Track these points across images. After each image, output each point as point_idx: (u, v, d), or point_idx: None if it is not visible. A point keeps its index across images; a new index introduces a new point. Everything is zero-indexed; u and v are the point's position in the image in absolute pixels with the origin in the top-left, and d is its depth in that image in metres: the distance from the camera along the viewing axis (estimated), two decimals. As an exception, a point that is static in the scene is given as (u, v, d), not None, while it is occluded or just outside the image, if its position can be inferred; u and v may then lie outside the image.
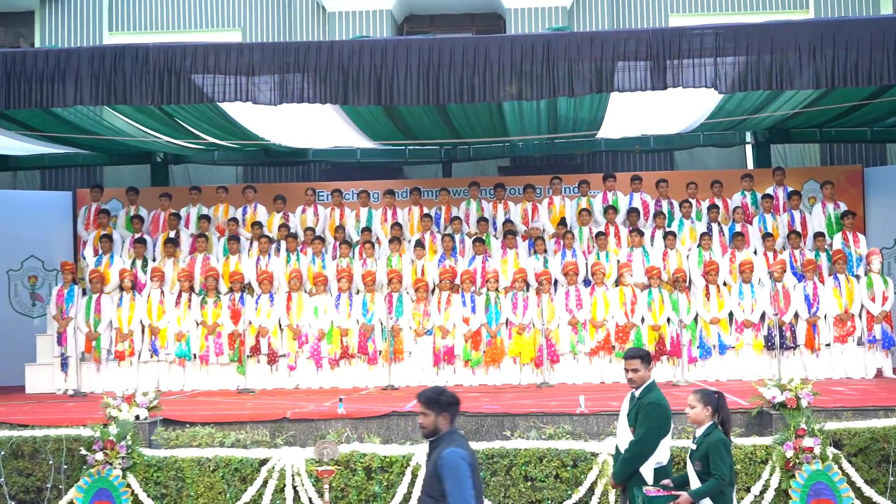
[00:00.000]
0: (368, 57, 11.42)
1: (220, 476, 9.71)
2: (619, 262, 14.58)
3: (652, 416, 7.28)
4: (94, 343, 14.08)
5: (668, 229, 15.08)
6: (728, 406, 7.33)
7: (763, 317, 13.86)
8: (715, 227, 15.24)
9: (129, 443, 9.76)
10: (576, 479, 9.45)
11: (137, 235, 15.52)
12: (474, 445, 9.67)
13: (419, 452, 9.58)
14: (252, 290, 14.58)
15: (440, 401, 5.98)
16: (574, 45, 11.33)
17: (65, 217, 17.14)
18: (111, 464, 9.66)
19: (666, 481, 7.32)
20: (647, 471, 7.23)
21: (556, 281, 14.41)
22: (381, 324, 14.00)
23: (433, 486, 5.79)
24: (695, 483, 7.11)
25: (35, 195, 17.69)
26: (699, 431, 7.24)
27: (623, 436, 7.40)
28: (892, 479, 9.47)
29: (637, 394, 7.43)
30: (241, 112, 13.26)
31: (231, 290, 14.29)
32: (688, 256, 14.73)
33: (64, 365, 13.96)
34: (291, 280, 14.25)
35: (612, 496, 9.31)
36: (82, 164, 17.71)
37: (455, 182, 17.21)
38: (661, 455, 7.29)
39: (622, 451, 7.36)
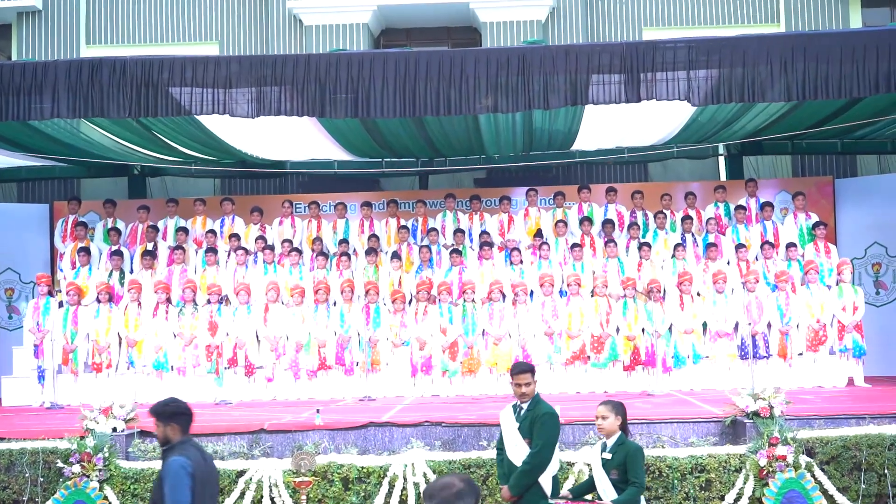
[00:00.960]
0: (345, 70, 11.49)
1: (197, 487, 9.71)
2: (594, 272, 14.69)
3: (548, 427, 7.36)
4: (70, 355, 14.06)
5: (642, 240, 15.20)
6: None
7: (736, 326, 13.99)
8: (689, 237, 15.38)
9: (106, 455, 9.73)
10: (552, 489, 9.50)
11: (115, 248, 15.52)
12: (451, 455, 9.73)
13: (397, 463, 9.62)
14: (229, 302, 14.60)
15: (165, 411, 6.08)
16: (549, 59, 11.44)
17: (42, 229, 17.10)
18: (88, 476, 9.63)
19: (566, 493, 7.43)
20: (546, 481, 7.32)
21: (531, 292, 14.49)
22: (359, 335, 14.05)
23: (158, 493, 5.87)
24: (610, 492, 7.22)
25: (12, 207, 17.64)
26: (610, 441, 7.35)
27: (517, 448, 7.41)
28: (863, 486, 9.55)
29: (525, 406, 7.50)
30: (218, 125, 13.30)
31: (208, 302, 14.31)
32: (662, 267, 14.87)
33: (40, 377, 13.92)
34: (269, 292, 14.27)
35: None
36: (59, 177, 17.67)
37: (431, 194, 17.30)
38: (555, 464, 7.42)
39: (516, 464, 7.36)
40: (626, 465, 7.21)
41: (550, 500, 7.29)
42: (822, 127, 14.55)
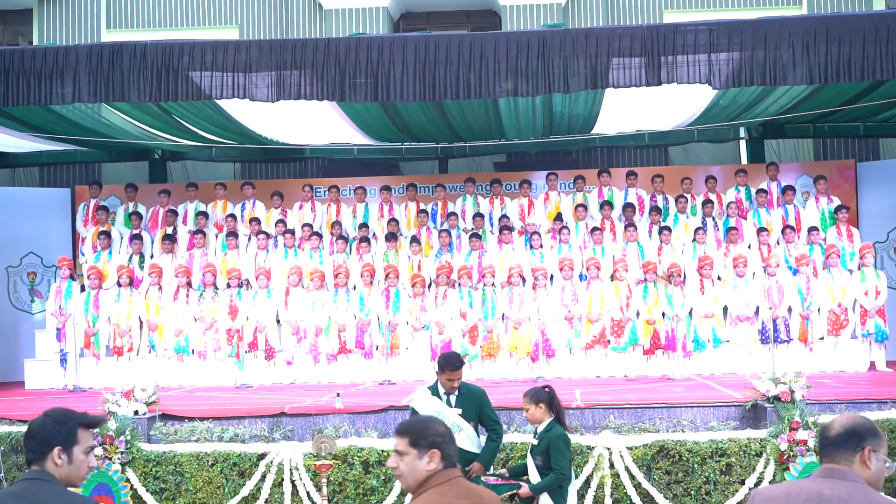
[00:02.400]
0: (365, 54, 11.48)
1: (218, 470, 9.77)
2: (614, 257, 14.66)
3: (490, 404, 7.76)
4: (92, 339, 14.15)
5: (662, 224, 15.17)
6: (559, 398, 7.49)
7: (757, 311, 13.94)
8: (709, 221, 15.33)
9: (128, 438, 9.80)
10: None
11: (135, 231, 15.59)
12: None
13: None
14: (250, 286, 14.65)
15: None
16: (569, 42, 11.40)
17: (63, 214, 17.19)
18: (110, 459, 9.71)
19: (502, 471, 7.49)
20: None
21: (551, 276, 14.48)
22: (378, 319, 14.08)
23: None
24: (535, 477, 7.28)
25: (34, 192, 17.74)
26: (540, 428, 7.36)
27: (464, 432, 7.45)
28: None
29: (455, 392, 7.63)
30: (238, 109, 13.32)
31: (229, 286, 14.35)
32: (682, 251, 14.83)
33: (63, 361, 14.02)
34: (289, 276, 14.31)
35: (607, 489, 9.39)
36: (81, 161, 17.74)
37: (451, 178, 17.30)
38: None
39: (464, 447, 7.38)
40: (549, 451, 7.22)
41: (483, 478, 7.34)
42: (845, 108, 14.45)
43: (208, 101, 12.27)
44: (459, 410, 7.50)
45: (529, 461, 7.38)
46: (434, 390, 7.61)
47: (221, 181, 16.95)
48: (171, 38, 13.70)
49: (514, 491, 7.33)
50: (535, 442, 7.40)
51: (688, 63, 11.27)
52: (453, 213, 15.82)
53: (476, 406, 7.54)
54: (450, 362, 7.62)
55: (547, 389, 7.43)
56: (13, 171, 18.12)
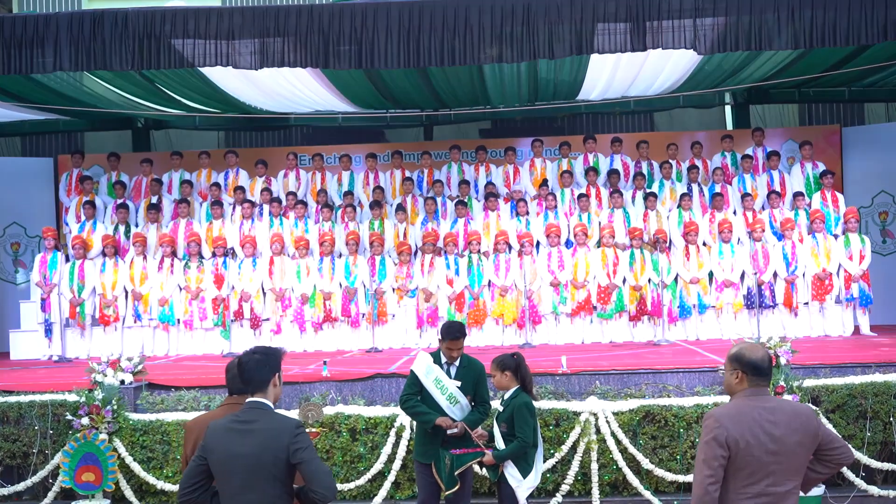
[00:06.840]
0: (349, 20, 11.41)
1: (206, 439, 9.77)
2: (600, 223, 14.67)
3: (486, 382, 7.64)
4: (78, 309, 14.10)
5: (648, 190, 15.16)
6: (527, 366, 7.48)
7: (742, 276, 13.98)
8: (695, 187, 15.34)
9: (115, 407, 9.80)
10: (558, 438, 9.55)
11: (120, 201, 15.51)
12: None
13: (403, 413, 9.67)
14: (235, 255, 14.61)
15: None
16: (554, 7, 11.35)
17: (46, 183, 17.08)
18: (97, 428, 9.71)
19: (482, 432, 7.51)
20: None
21: (538, 242, 14.49)
22: (364, 287, 14.07)
23: None
24: (500, 444, 7.26)
25: (16, 161, 17.61)
26: (506, 395, 7.37)
27: (459, 405, 7.48)
28: (869, 434, 9.60)
29: (457, 363, 7.56)
30: (221, 77, 13.23)
31: (214, 255, 14.31)
32: (668, 217, 14.84)
33: (48, 331, 13.98)
34: (273, 244, 14.28)
35: (594, 454, 9.43)
36: (63, 130, 17.60)
37: (436, 145, 17.23)
38: None
39: (466, 409, 7.47)
40: (513, 419, 7.24)
41: (451, 449, 7.35)
42: (830, 73, 14.45)
43: (191, 69, 12.18)
44: (458, 383, 7.48)
45: (495, 428, 7.38)
46: (436, 358, 7.57)
47: (205, 150, 16.85)
48: (153, 5, 13.58)
49: (480, 459, 7.33)
50: (501, 409, 7.40)
51: (673, 28, 11.25)
52: (439, 181, 15.78)
53: (474, 381, 7.51)
54: (450, 331, 7.52)
55: (515, 357, 7.42)
56: (-6, 141, 18.00)
